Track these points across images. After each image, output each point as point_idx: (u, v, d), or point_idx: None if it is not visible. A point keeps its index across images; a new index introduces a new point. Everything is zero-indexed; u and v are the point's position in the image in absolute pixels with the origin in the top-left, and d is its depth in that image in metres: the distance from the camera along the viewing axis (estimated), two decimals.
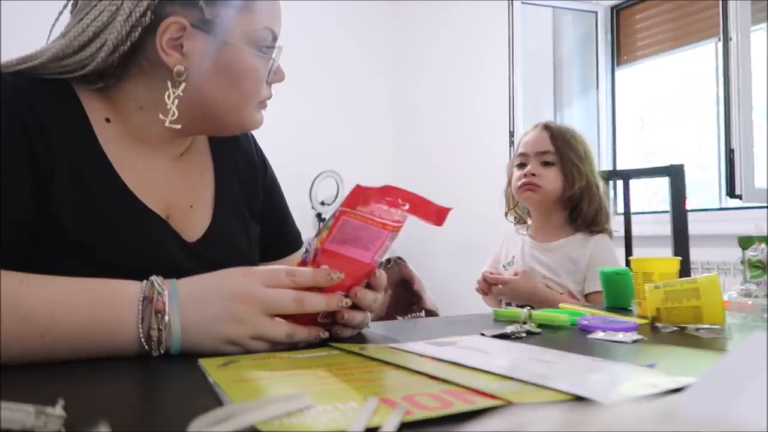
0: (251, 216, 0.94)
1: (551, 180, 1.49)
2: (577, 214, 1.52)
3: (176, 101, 0.77)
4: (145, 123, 0.80)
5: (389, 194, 0.65)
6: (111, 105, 0.79)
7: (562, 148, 1.50)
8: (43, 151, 0.71)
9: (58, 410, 0.36)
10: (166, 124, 0.77)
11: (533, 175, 1.50)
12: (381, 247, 0.68)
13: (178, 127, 0.78)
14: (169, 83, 0.76)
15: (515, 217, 1.69)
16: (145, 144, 0.81)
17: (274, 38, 0.81)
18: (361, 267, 0.68)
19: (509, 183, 1.63)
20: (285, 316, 0.64)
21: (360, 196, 0.64)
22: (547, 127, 1.54)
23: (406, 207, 0.65)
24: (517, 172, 1.56)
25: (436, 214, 0.67)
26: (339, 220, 0.65)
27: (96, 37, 0.74)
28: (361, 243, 0.67)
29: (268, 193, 0.99)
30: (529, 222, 1.64)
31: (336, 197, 3.89)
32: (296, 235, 1.04)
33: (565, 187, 1.49)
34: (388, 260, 1.41)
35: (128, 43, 0.74)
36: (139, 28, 0.73)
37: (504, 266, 1.60)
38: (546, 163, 1.51)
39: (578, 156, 1.50)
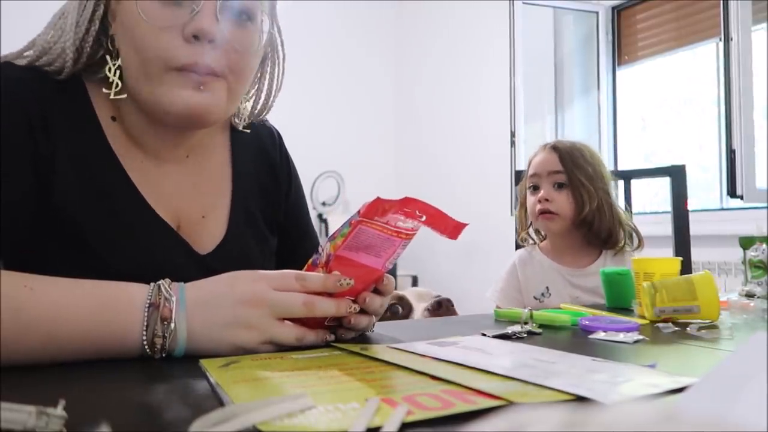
0: (269, 229, 0.91)
1: (565, 204, 1.47)
2: (590, 233, 1.50)
3: (117, 73, 0.73)
4: (134, 120, 0.77)
5: (408, 205, 0.65)
6: (115, 102, 0.77)
7: (570, 170, 1.47)
8: (43, 141, 0.70)
9: (59, 411, 0.36)
10: (111, 96, 0.73)
11: (547, 200, 1.47)
12: (393, 254, 0.69)
13: (124, 96, 0.74)
14: (107, 57, 0.74)
15: (523, 239, 1.63)
16: (145, 146, 0.79)
17: None
18: (371, 273, 0.69)
19: (521, 205, 1.60)
20: (292, 319, 0.64)
21: (379, 208, 0.65)
22: (555, 148, 1.51)
23: (423, 219, 0.66)
24: (531, 197, 1.53)
25: (453, 228, 0.67)
26: (355, 229, 0.65)
27: (57, 41, 0.74)
28: (374, 251, 0.67)
29: (290, 207, 0.96)
30: (539, 241, 1.60)
31: (337, 198, 3.89)
32: (316, 244, 1.02)
33: (577, 210, 1.47)
34: (439, 303, 1.37)
35: (92, 32, 0.73)
36: (100, 11, 0.73)
37: (537, 298, 1.53)
38: (559, 185, 1.48)
39: (587, 176, 1.47)
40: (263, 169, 0.92)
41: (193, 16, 0.68)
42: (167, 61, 0.69)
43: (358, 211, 0.66)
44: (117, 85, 0.72)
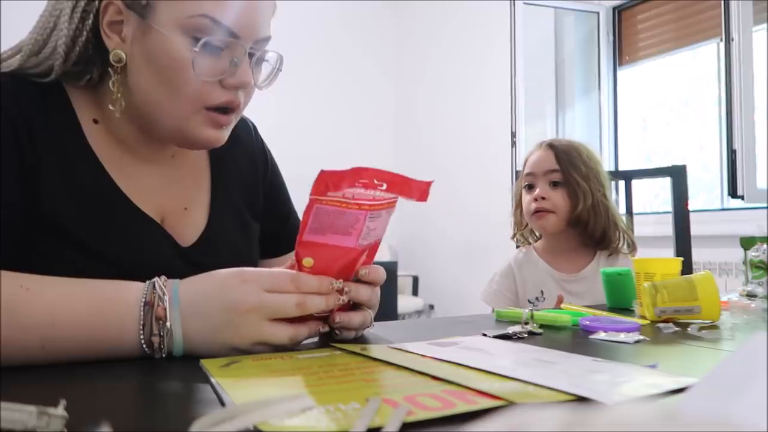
0: (251, 215, 0.92)
1: (560, 202, 1.46)
2: (585, 233, 1.49)
3: (122, 89, 0.74)
4: (120, 125, 0.78)
5: (361, 176, 0.62)
6: (97, 106, 0.78)
7: (566, 168, 1.46)
8: (29, 150, 0.71)
9: (60, 410, 0.36)
10: (117, 114, 0.74)
11: (543, 198, 1.47)
12: (362, 229, 0.64)
13: (114, 109, 0.75)
14: (110, 70, 0.74)
15: (518, 239, 1.63)
16: (131, 148, 0.80)
17: (227, 32, 0.71)
18: (344, 253, 0.66)
19: (517, 205, 1.59)
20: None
21: (327, 181, 0.61)
22: (551, 146, 1.50)
23: (384, 186, 0.62)
24: (526, 196, 1.52)
25: (418, 191, 0.64)
26: (312, 209, 0.63)
27: (48, 41, 0.74)
28: (341, 228, 0.64)
29: (269, 190, 0.97)
30: (535, 243, 1.60)
31: None
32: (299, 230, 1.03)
33: (572, 208, 1.46)
34: None
35: (84, 34, 0.73)
36: (91, 15, 0.73)
37: (531, 302, 1.51)
38: (554, 183, 1.48)
39: (582, 175, 1.46)
40: (241, 158, 0.93)
41: (235, 68, 0.72)
42: (203, 103, 0.73)
43: (310, 192, 0.63)
44: (121, 104, 0.74)
